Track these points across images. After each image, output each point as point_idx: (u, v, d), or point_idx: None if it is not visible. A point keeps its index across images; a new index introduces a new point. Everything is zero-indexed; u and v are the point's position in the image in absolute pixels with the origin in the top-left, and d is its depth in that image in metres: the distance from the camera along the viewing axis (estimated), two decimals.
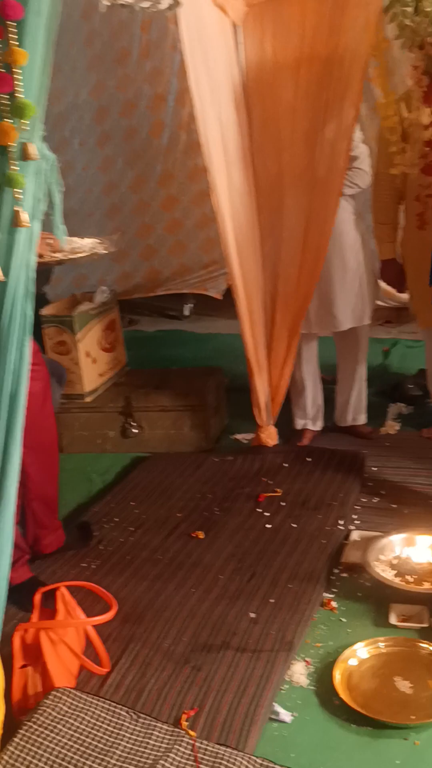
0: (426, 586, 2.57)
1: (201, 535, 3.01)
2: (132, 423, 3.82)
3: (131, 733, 2.01)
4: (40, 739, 1.96)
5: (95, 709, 2.07)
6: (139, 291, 5.68)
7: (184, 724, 2.06)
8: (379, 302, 5.19)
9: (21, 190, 1.62)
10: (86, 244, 2.59)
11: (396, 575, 2.64)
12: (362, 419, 3.85)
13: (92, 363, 3.97)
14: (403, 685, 2.20)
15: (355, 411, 3.83)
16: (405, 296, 3.84)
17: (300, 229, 3.17)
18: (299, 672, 2.29)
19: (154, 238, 5.57)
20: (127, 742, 1.99)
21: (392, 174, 3.30)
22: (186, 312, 6.06)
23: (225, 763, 1.92)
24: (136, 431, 3.82)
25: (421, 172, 3.04)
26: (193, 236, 5.43)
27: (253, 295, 3.25)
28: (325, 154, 3.12)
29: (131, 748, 1.97)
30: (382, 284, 3.68)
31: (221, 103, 2.89)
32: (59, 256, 2.43)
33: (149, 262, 5.66)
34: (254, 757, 1.95)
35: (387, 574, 2.64)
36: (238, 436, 3.94)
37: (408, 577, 2.63)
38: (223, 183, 2.99)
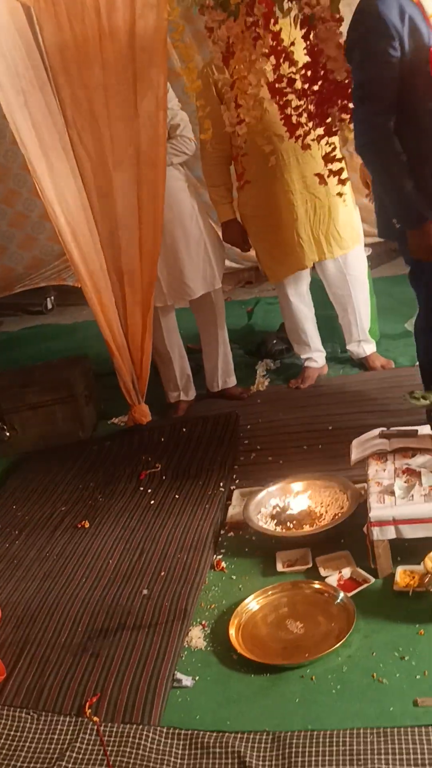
0: (306, 529, 2.66)
1: (86, 524, 3.00)
2: (3, 426, 3.74)
3: (34, 733, 2.00)
4: None
5: None
6: None
7: (88, 711, 2.07)
8: (235, 264, 5.30)
9: None
10: None
11: (277, 524, 2.72)
12: (232, 381, 3.91)
13: None
14: (296, 627, 2.28)
15: (224, 374, 3.89)
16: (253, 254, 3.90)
17: (132, 204, 3.17)
18: (197, 636, 2.34)
19: (0, 235, 5.43)
20: (31, 742, 1.98)
21: (216, 137, 3.34)
22: (49, 305, 5.96)
23: (131, 739, 1.95)
24: (9, 434, 3.75)
25: (235, 133, 3.08)
26: (39, 228, 5.33)
27: (98, 277, 3.23)
28: (144, 127, 3.11)
29: (36, 747, 1.97)
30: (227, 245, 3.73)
31: (25, 88, 2.83)
32: None
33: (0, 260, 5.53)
34: (160, 728, 1.99)
35: (268, 526, 2.71)
36: (114, 420, 3.93)
37: (289, 524, 2.71)
38: (43, 169, 2.95)
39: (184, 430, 3.59)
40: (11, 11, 2.83)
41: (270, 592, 2.41)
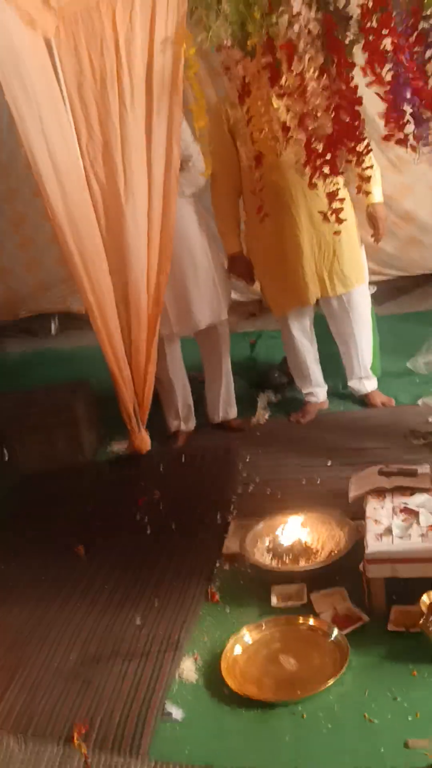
0: (302, 564, 2.66)
1: (82, 549, 3.00)
2: (3, 448, 3.75)
3: (21, 762, 1.99)
4: None
5: None
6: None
7: (76, 742, 2.06)
8: (240, 297, 5.34)
9: None
10: None
11: (273, 558, 2.72)
12: (233, 413, 3.93)
13: None
14: (289, 663, 2.27)
15: (225, 406, 3.91)
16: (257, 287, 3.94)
17: (142, 233, 3.20)
18: (188, 668, 2.32)
19: (6, 258, 5.47)
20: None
21: (226, 171, 3.40)
22: (52, 329, 5.98)
23: None
24: (8, 456, 3.75)
25: (251, 168, 3.13)
26: (46, 252, 5.37)
27: (105, 303, 3.25)
28: (157, 158, 3.16)
29: None
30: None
31: (42, 117, 2.88)
32: None
33: (5, 283, 5.56)
34: (148, 760, 1.97)
35: (265, 559, 2.71)
36: (114, 446, 3.93)
37: (285, 558, 2.70)
38: (57, 196, 2.98)
39: (183, 459, 3.59)
40: (33, 43, 2.88)
41: (263, 627, 2.40)
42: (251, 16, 2.83)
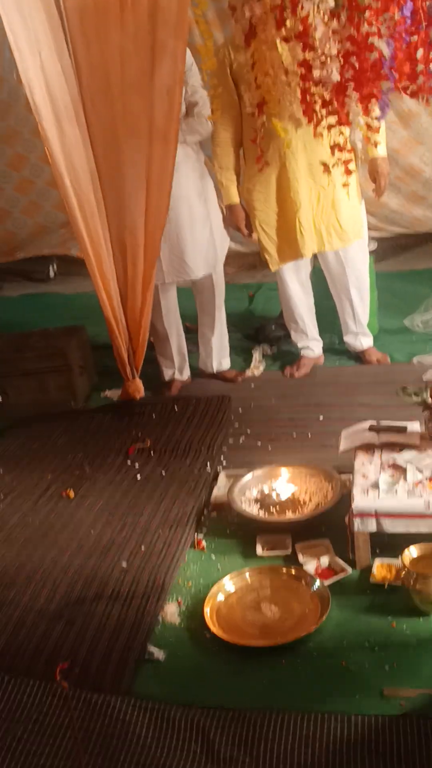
0: (288, 515, 2.68)
1: (72, 493, 3.02)
2: None
3: (2, 693, 2.02)
4: None
5: None
6: None
7: (58, 677, 2.09)
8: (240, 248, 5.29)
9: None
10: None
11: (261, 508, 2.74)
12: (227, 364, 3.92)
13: None
14: (270, 610, 2.30)
15: (219, 356, 3.90)
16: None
17: (140, 177, 3.15)
18: (172, 612, 2.36)
19: (5, 200, 5.39)
20: None
21: (227, 118, 3.33)
22: (51, 273, 5.93)
23: (98, 708, 1.97)
24: (0, 399, 3.75)
25: (253, 115, 3.07)
26: (45, 195, 5.30)
27: (101, 249, 3.22)
28: (159, 100, 3.08)
29: (3, 708, 1.99)
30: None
31: (42, 51, 2.81)
32: None
33: (2, 225, 5.49)
34: (128, 699, 2.01)
35: (252, 509, 2.73)
36: (108, 393, 3.92)
37: (272, 509, 2.72)
38: (54, 134, 2.93)
39: (176, 408, 3.59)
40: None
41: (247, 575, 2.43)
42: None
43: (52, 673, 2.09)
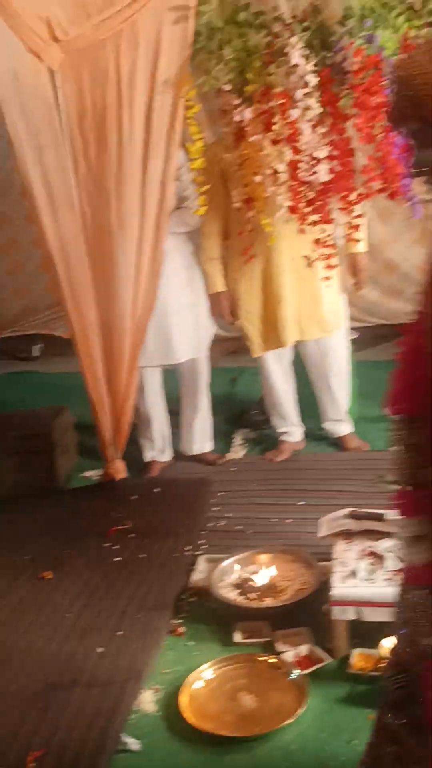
0: (267, 602, 2.67)
1: (49, 575, 2.99)
2: None
3: None
4: None
5: None
6: None
7: (30, 766, 2.04)
8: (223, 333, 5.40)
9: None
10: None
11: (240, 594, 2.73)
12: (208, 447, 3.95)
13: None
14: (248, 700, 2.28)
15: (201, 440, 3.93)
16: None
17: (130, 265, 3.26)
18: (148, 700, 2.33)
19: None
20: None
21: (215, 212, 3.47)
22: (35, 352, 5.99)
23: None
24: None
25: (240, 210, 3.21)
26: (34, 278, 5.41)
27: (90, 331, 3.30)
28: (151, 195, 3.23)
29: None
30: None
31: (42, 147, 2.95)
32: None
33: None
34: None
35: (231, 595, 2.72)
36: (89, 473, 3.93)
37: (250, 595, 2.72)
38: (49, 222, 3.04)
39: (157, 490, 3.61)
40: (36, 72, 2.97)
41: (225, 663, 2.41)
42: (251, 64, 2.94)
43: (24, 761, 2.06)
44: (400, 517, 1.43)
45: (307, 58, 2.92)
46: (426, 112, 1.22)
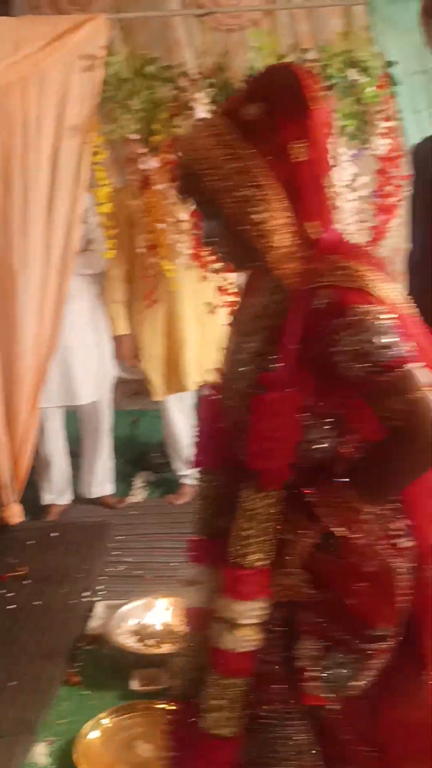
0: (165, 648, 2.66)
1: None
2: None
3: None
4: None
5: None
6: None
7: None
8: (126, 375, 5.40)
9: None
10: None
11: (138, 641, 2.70)
12: (109, 490, 3.92)
13: None
14: (144, 749, 2.25)
15: (102, 482, 3.90)
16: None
17: (33, 307, 3.25)
18: (40, 752, 2.26)
19: None
20: None
21: (120, 256, 3.50)
22: None
23: None
24: None
25: (144, 255, 3.26)
26: None
27: None
28: (55, 237, 3.24)
29: None
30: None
31: None
32: None
33: None
34: None
35: (129, 641, 2.69)
36: None
37: (149, 641, 2.70)
38: None
39: (54, 534, 3.54)
40: None
41: (122, 712, 2.37)
42: (157, 115, 3.02)
43: None
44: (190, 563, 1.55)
45: (213, 112, 3.03)
46: (203, 187, 1.29)
